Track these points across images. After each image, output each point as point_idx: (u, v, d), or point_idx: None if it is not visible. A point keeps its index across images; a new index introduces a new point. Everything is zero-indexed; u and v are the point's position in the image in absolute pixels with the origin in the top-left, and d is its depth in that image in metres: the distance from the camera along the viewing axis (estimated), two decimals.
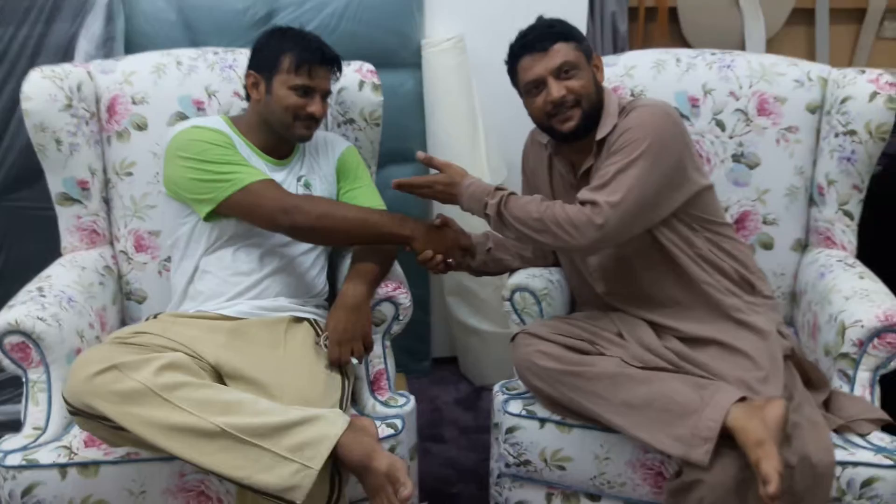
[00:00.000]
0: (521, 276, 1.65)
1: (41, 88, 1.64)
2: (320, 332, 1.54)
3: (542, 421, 1.50)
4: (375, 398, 1.55)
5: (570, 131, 1.51)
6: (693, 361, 1.45)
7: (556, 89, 1.48)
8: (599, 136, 1.51)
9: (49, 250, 1.77)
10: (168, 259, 1.70)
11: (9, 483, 1.36)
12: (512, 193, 1.49)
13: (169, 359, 1.29)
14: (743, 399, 1.32)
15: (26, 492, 1.36)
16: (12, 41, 1.98)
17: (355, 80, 1.80)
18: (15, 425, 1.47)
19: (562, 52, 1.49)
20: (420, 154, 1.59)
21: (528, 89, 1.53)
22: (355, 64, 1.82)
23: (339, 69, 1.62)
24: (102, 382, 1.24)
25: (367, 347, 1.50)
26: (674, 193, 1.48)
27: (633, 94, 1.83)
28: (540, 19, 1.57)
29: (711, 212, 1.56)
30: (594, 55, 1.56)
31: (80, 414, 1.27)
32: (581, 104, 1.50)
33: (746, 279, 1.56)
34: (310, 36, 1.58)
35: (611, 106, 1.54)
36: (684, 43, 2.53)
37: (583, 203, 1.41)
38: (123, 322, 1.82)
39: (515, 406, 1.53)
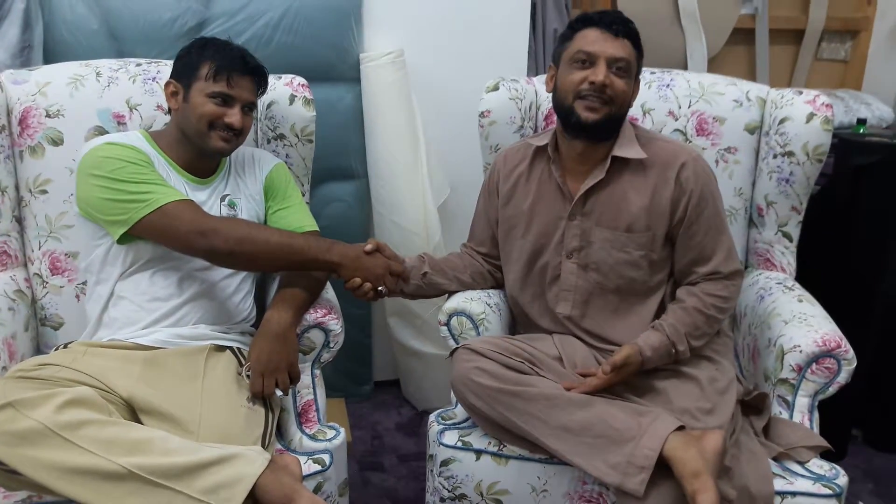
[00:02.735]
0: (459, 300, 1.59)
1: None
2: (244, 361, 1.45)
3: (479, 452, 1.44)
4: (303, 431, 1.47)
5: (589, 122, 1.45)
6: (636, 386, 1.42)
7: (603, 73, 1.43)
8: (620, 153, 1.49)
9: None
10: (86, 283, 1.60)
11: None
12: (678, 333, 1.45)
13: (72, 394, 1.19)
14: (682, 428, 1.28)
15: None
16: None
17: (286, 93, 1.73)
18: None
19: (627, 49, 1.46)
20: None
21: (577, 58, 1.46)
22: (286, 77, 1.75)
23: (264, 80, 1.54)
24: None
25: (294, 378, 1.42)
26: None
27: None
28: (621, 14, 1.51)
29: None
30: (639, 80, 1.54)
31: None
32: (613, 105, 1.45)
33: None
34: (232, 45, 1.52)
35: (626, 127, 1.52)
36: None
37: (720, 277, 1.50)
38: (38, 350, 1.71)
39: (451, 437, 1.47)
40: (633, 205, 1.49)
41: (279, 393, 1.41)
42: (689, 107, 1.78)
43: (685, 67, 2.51)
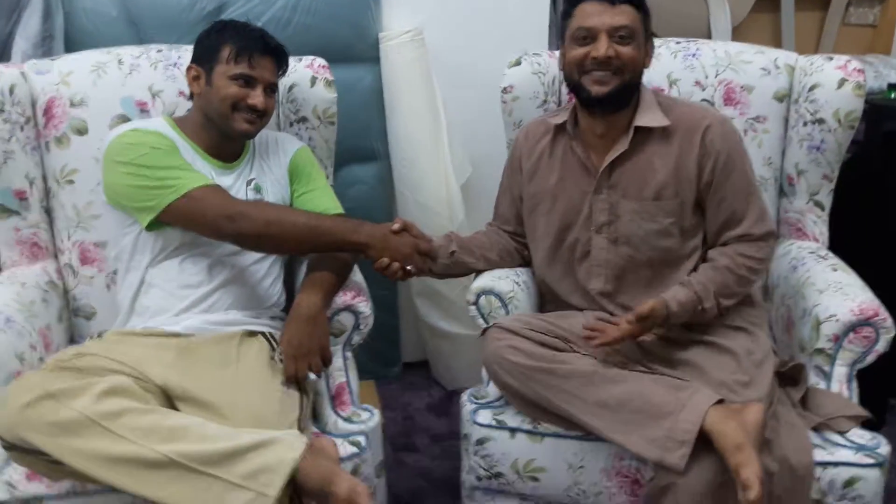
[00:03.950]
0: (487, 279, 1.58)
1: None
2: (276, 346, 1.46)
3: (513, 431, 1.44)
4: (337, 414, 1.48)
5: (601, 95, 1.43)
6: (672, 360, 1.41)
7: (605, 48, 1.41)
8: (642, 123, 1.46)
9: None
10: (116, 272, 1.61)
11: None
12: (707, 290, 1.41)
13: (110, 383, 1.20)
14: (721, 402, 1.27)
15: None
16: None
17: (307, 76, 1.71)
18: None
19: (628, 15, 1.42)
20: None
21: (578, 36, 1.44)
22: (306, 59, 1.74)
23: (285, 61, 1.54)
24: (37, 413, 1.15)
25: (326, 361, 1.42)
26: None
27: None
28: None
29: None
30: (650, 39, 1.50)
31: (15, 448, 1.18)
32: (623, 74, 1.43)
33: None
34: (251, 26, 1.51)
35: (647, 94, 1.50)
36: None
37: (752, 239, 1.46)
38: (71, 340, 1.72)
39: (485, 416, 1.47)
40: (660, 172, 1.47)
41: (312, 376, 1.41)
42: (716, 76, 1.74)
43: (709, 37, 2.47)
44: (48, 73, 1.67)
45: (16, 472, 1.30)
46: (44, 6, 1.89)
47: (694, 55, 1.77)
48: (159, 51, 1.74)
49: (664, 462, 1.25)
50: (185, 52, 1.72)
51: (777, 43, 2.57)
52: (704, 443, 1.24)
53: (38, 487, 1.29)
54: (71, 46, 1.94)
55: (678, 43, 1.81)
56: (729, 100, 1.74)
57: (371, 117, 2.19)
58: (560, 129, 1.58)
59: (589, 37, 1.43)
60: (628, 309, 1.52)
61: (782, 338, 1.63)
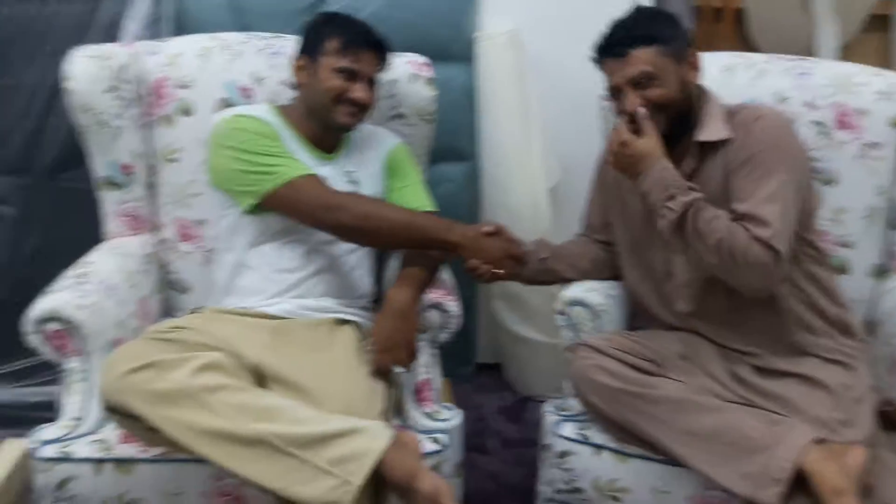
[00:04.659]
0: (579, 290, 1.55)
1: (84, 69, 1.61)
2: (364, 336, 1.47)
3: (598, 447, 1.41)
4: (420, 410, 1.48)
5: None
6: (765, 393, 1.35)
7: (632, 102, 1.40)
8: (703, 137, 1.43)
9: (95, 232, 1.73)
10: (212, 250, 1.65)
11: (43, 475, 1.32)
12: (704, 200, 1.35)
13: (208, 359, 1.23)
14: (821, 441, 1.22)
15: (60, 485, 1.32)
16: (57, 17, 1.92)
17: (407, 72, 1.72)
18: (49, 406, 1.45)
19: (641, 60, 1.39)
20: None
21: (613, 93, 1.45)
22: (407, 56, 1.75)
23: (387, 55, 1.55)
24: (138, 381, 1.19)
25: (413, 356, 1.43)
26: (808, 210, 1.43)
27: None
28: (630, 13, 1.46)
29: (813, 232, 1.48)
30: (690, 51, 1.46)
31: (116, 412, 1.23)
32: (666, 110, 1.41)
33: (842, 319, 1.45)
34: (357, 20, 1.53)
35: (712, 106, 1.45)
36: (749, 46, 2.41)
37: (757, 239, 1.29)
38: (166, 312, 1.77)
39: (569, 429, 1.44)
40: (718, 181, 1.42)
41: (399, 369, 1.42)
42: (829, 97, 1.67)
43: (811, 54, 2.37)
44: (158, 54, 1.73)
45: (112, 434, 1.36)
46: None
47: (806, 74, 1.71)
48: (263, 39, 1.78)
49: (756, 499, 1.20)
50: (288, 42, 1.75)
51: (886, 65, 2.46)
52: (799, 482, 1.19)
53: (132, 450, 1.34)
54: (178, 31, 1.98)
55: (790, 60, 1.74)
56: (842, 124, 1.66)
57: (462, 116, 2.18)
58: None
59: (620, 92, 1.42)
60: (717, 329, 1.48)
61: (886, 378, 1.55)
